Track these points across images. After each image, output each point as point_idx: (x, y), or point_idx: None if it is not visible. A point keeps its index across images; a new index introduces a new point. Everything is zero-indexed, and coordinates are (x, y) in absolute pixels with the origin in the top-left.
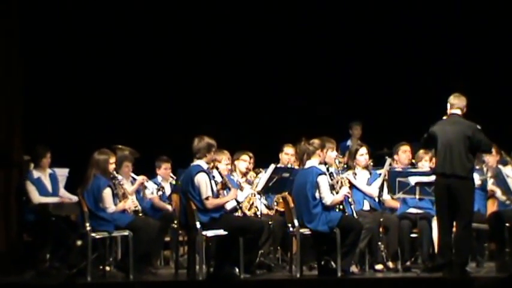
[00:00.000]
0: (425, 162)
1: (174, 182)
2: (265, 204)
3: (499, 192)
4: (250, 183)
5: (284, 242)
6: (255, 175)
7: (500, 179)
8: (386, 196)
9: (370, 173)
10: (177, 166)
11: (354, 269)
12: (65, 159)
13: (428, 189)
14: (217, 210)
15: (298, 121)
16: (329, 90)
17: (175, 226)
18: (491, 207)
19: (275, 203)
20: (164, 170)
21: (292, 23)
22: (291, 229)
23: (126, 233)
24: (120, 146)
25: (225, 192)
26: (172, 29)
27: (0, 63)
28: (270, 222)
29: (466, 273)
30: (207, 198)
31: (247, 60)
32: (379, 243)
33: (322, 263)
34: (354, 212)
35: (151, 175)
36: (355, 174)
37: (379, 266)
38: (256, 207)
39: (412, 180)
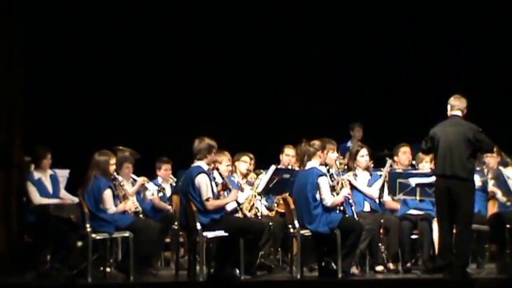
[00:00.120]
0: (426, 164)
1: (174, 184)
2: (265, 206)
3: (499, 194)
4: (250, 184)
5: (284, 243)
6: (255, 176)
7: (500, 181)
8: (386, 197)
9: (371, 174)
10: (177, 167)
11: (354, 270)
12: (65, 160)
13: (429, 190)
14: (218, 211)
15: (298, 122)
16: (329, 91)
17: (176, 227)
18: (492, 208)
19: (275, 204)
20: (164, 171)
21: (292, 23)
22: (291, 230)
23: (126, 234)
24: (120, 147)
25: (225, 193)
26: (172, 29)
27: (0, 63)
28: (270, 224)
29: (467, 274)
30: (207, 200)
31: (247, 60)
32: (380, 244)
33: (323, 264)
34: (355, 213)
35: (152, 176)
36: (356, 175)
37: (379, 267)
38: (257, 208)
39: (413, 181)
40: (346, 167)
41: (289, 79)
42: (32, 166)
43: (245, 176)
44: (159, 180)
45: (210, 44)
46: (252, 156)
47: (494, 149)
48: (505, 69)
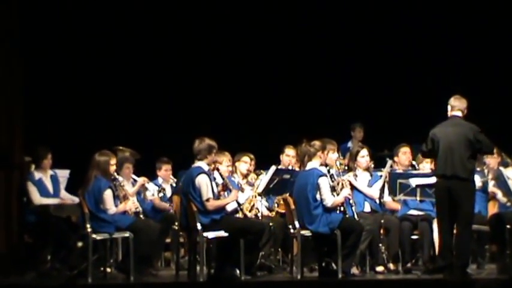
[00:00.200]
0: (426, 164)
1: (174, 184)
2: (266, 206)
3: (499, 194)
4: (251, 184)
5: (285, 243)
6: (255, 177)
7: (501, 181)
8: (387, 198)
9: (371, 175)
10: (177, 168)
11: (354, 270)
12: (65, 161)
13: (429, 191)
14: (218, 211)
15: (298, 122)
16: (329, 91)
17: (176, 227)
18: (492, 209)
19: (276, 205)
20: (165, 172)
21: (292, 23)
22: (291, 231)
23: (126, 234)
24: (120, 148)
25: (225, 193)
26: (172, 29)
27: (0, 63)
28: (270, 224)
29: (467, 275)
30: (207, 200)
31: (247, 60)
32: (380, 244)
33: (323, 264)
34: (355, 213)
35: (152, 176)
36: (356, 175)
37: (379, 268)
38: (257, 208)
39: (413, 182)
40: (346, 167)
41: (290, 79)
42: (33, 166)
43: (245, 176)
44: (160, 180)
45: (210, 44)
46: (252, 156)
47: (494, 150)
48: (505, 69)
